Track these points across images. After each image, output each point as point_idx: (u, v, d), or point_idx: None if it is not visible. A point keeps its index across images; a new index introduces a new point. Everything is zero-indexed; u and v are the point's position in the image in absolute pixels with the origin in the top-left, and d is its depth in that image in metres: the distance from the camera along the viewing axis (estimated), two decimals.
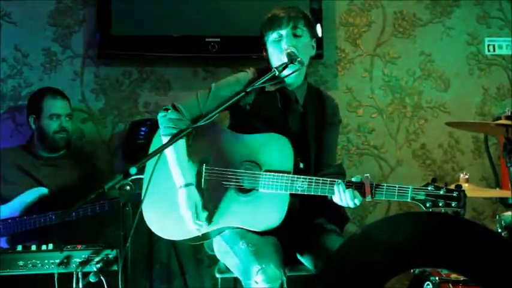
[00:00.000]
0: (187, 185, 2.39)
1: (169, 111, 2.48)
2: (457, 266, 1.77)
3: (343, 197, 2.27)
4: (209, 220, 2.39)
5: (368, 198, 2.27)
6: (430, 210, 2.25)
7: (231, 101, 2.31)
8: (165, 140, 2.44)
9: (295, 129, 2.53)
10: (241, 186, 2.41)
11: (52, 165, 3.22)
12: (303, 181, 2.33)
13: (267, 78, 2.33)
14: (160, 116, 2.50)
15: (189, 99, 2.53)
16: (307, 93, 2.60)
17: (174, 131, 2.42)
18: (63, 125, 3.19)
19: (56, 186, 3.13)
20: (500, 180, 3.70)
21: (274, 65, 2.49)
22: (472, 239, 1.70)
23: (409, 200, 2.25)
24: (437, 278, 2.64)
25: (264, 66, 2.58)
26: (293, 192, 2.34)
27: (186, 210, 2.37)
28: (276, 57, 2.47)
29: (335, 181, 2.30)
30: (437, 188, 2.25)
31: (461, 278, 2.61)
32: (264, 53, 2.57)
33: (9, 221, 2.95)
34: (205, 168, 2.44)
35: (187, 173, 2.41)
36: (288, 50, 2.40)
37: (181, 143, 2.40)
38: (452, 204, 2.23)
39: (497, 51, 3.89)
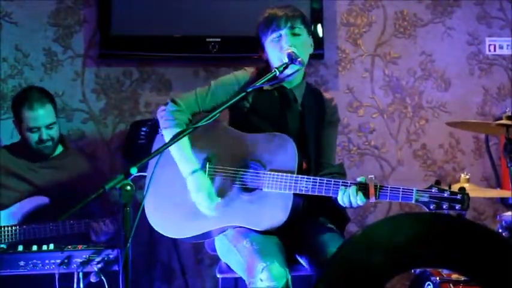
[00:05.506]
0: (194, 172, 2.38)
1: (168, 104, 2.49)
2: (458, 266, 1.76)
3: (346, 198, 2.28)
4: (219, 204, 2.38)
5: (372, 200, 2.27)
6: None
7: (232, 101, 2.28)
8: (166, 133, 2.45)
9: (294, 128, 2.53)
10: (245, 185, 2.41)
11: (51, 167, 3.09)
12: (307, 181, 2.33)
13: (267, 78, 2.32)
14: (160, 111, 2.51)
15: (188, 95, 2.54)
16: (305, 93, 2.59)
17: (175, 123, 2.43)
18: (42, 137, 2.98)
19: (56, 191, 2.99)
20: (501, 180, 3.70)
21: (274, 65, 2.48)
22: (473, 239, 1.70)
23: (412, 201, 2.25)
24: (438, 278, 2.64)
25: (262, 65, 2.58)
26: (297, 192, 2.34)
27: (197, 194, 2.36)
28: (276, 57, 2.46)
29: (339, 182, 2.30)
30: (441, 191, 2.24)
31: (462, 278, 2.61)
32: (262, 54, 2.56)
33: (8, 228, 2.83)
34: (209, 167, 2.44)
35: (192, 161, 2.40)
36: (289, 50, 2.39)
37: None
38: (456, 207, 2.23)
39: (498, 51, 3.88)
